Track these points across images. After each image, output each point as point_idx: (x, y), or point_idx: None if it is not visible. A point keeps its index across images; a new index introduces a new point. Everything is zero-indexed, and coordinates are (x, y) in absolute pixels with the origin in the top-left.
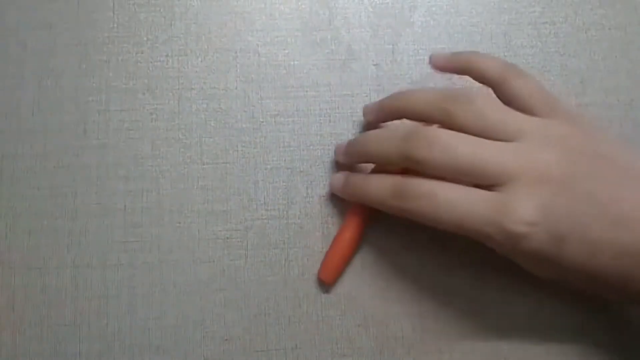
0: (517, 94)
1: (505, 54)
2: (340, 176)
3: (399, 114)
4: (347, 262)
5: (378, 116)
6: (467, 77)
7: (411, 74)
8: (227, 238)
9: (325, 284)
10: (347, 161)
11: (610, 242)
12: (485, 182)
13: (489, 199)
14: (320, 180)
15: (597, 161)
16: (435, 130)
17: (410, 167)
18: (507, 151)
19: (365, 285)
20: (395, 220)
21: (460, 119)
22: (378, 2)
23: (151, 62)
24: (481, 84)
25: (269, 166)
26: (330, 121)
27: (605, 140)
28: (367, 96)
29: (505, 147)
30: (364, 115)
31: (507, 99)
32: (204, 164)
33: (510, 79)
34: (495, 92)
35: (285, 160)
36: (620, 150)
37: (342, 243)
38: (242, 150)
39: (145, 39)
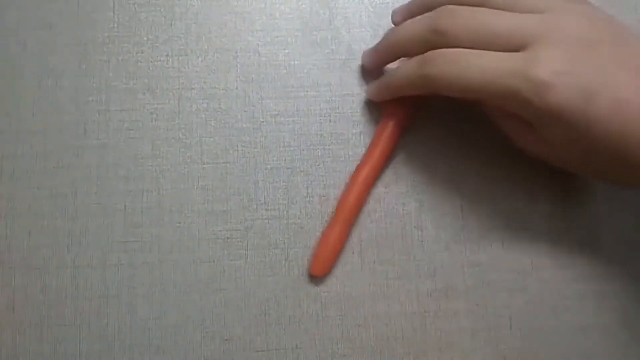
0: None
1: None
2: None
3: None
4: (337, 254)
5: (376, 61)
6: None
7: None
8: (227, 238)
9: (317, 277)
10: (376, 60)
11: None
12: (510, 47)
13: (515, 56)
14: (320, 180)
15: (622, 32)
16: (459, 6)
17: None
18: (532, 18)
19: (365, 285)
20: (393, 220)
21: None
22: (378, 2)
23: (151, 62)
24: None
25: (269, 166)
26: (330, 121)
27: (618, 22)
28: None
29: (529, 16)
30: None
31: None
32: (204, 164)
33: None
34: None
35: (285, 160)
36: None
37: (331, 237)
38: (242, 150)
39: (145, 38)
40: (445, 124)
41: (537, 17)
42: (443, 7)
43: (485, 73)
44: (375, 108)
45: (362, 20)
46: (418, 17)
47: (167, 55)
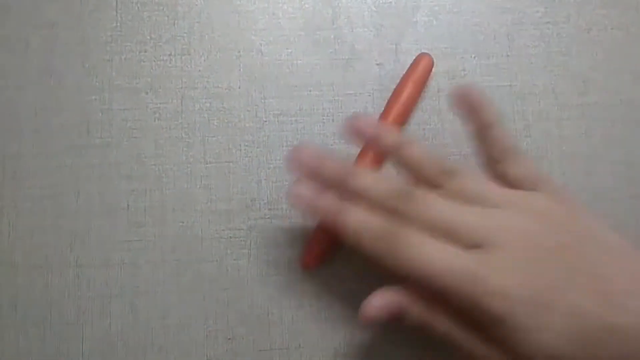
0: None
1: (508, 53)
2: (307, 189)
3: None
4: (330, 248)
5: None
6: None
7: None
8: (231, 237)
9: (309, 269)
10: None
11: (600, 318)
12: (467, 243)
13: (467, 256)
14: None
15: (581, 236)
16: (420, 191)
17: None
18: (492, 216)
19: (368, 285)
20: None
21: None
22: (381, 2)
23: (154, 61)
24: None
25: (272, 165)
26: (333, 120)
27: (588, 218)
28: (370, 95)
29: (487, 211)
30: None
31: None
32: (207, 163)
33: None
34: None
35: None
36: (602, 228)
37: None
38: (245, 150)
39: (148, 38)
40: (446, 120)
41: (497, 217)
42: (403, 190)
43: (435, 267)
44: (377, 109)
45: (365, 19)
46: (383, 183)
47: (170, 54)
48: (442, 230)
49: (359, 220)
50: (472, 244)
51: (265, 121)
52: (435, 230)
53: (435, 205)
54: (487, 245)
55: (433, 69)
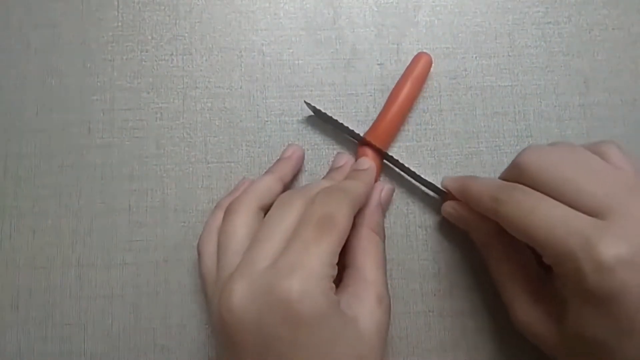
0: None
1: (510, 53)
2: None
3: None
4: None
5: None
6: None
7: None
8: None
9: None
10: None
11: None
12: (586, 209)
13: (586, 221)
14: None
15: None
16: (547, 146)
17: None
18: (619, 190)
19: None
20: (398, 219)
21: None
22: (382, 2)
23: (156, 61)
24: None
25: None
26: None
27: None
28: (371, 96)
29: (617, 185)
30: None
31: None
32: (208, 163)
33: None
34: None
35: None
36: None
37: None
38: (246, 150)
39: (149, 37)
40: (447, 120)
41: (624, 191)
42: (529, 146)
43: (550, 229)
44: (378, 109)
45: (366, 19)
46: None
47: (171, 54)
48: (566, 195)
49: (481, 183)
50: (591, 211)
51: (267, 121)
52: (558, 193)
53: (564, 163)
54: (607, 217)
55: (434, 69)
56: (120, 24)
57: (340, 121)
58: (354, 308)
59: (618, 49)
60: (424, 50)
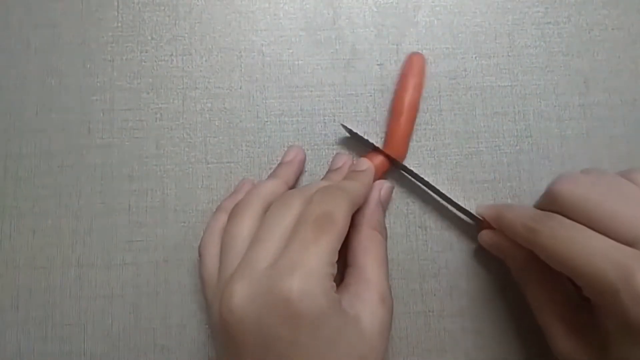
0: None
1: (510, 54)
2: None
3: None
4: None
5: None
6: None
7: None
8: None
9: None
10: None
11: None
12: (623, 238)
13: (626, 252)
14: None
15: None
16: (581, 174)
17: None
18: None
19: None
20: (398, 220)
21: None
22: (382, 2)
23: (155, 62)
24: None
25: (273, 166)
26: (334, 121)
27: None
28: (371, 96)
29: None
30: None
31: None
32: (208, 163)
33: None
34: None
35: None
36: None
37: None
38: (246, 150)
39: (149, 38)
40: (447, 120)
41: None
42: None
43: (588, 261)
44: (378, 109)
45: (366, 20)
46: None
47: (171, 54)
48: (603, 223)
49: (516, 212)
50: (630, 240)
51: (267, 121)
52: (595, 221)
53: (598, 191)
54: None
55: (434, 69)
56: (120, 24)
57: (377, 145)
58: (356, 307)
59: (618, 49)
60: (418, 51)
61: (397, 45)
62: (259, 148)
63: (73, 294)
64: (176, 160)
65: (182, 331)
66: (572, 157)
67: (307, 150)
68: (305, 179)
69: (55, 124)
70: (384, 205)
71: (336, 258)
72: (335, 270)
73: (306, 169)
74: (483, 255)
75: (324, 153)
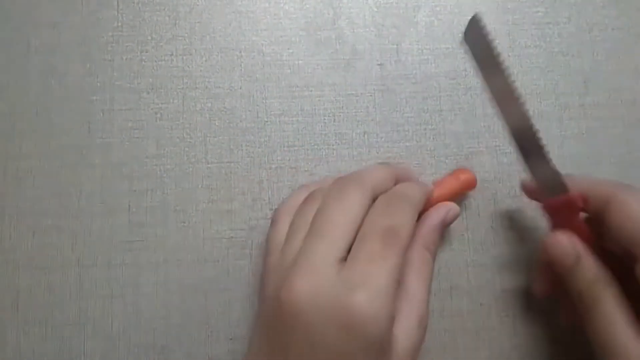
0: None
1: (510, 54)
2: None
3: None
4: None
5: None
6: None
7: (415, 74)
8: (232, 237)
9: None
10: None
11: None
12: None
13: None
14: None
15: None
16: None
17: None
18: None
19: None
20: None
21: None
22: (382, 2)
23: (155, 62)
24: None
25: (273, 165)
26: (334, 121)
27: None
28: (371, 96)
29: None
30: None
31: None
32: (208, 163)
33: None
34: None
35: (289, 160)
36: None
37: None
38: (246, 150)
39: (149, 38)
40: (447, 120)
41: None
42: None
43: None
44: (378, 109)
45: (366, 20)
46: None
47: (171, 54)
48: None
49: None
50: None
51: (267, 121)
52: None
53: None
54: None
55: (434, 69)
56: (120, 24)
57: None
58: (395, 325)
59: (618, 49)
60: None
61: (397, 45)
62: (259, 148)
63: (73, 294)
64: (176, 160)
65: (181, 331)
66: (572, 157)
67: (307, 150)
68: (305, 179)
69: (55, 124)
70: (445, 228)
71: (399, 275)
72: (397, 289)
73: (306, 169)
74: (483, 256)
75: (323, 153)
